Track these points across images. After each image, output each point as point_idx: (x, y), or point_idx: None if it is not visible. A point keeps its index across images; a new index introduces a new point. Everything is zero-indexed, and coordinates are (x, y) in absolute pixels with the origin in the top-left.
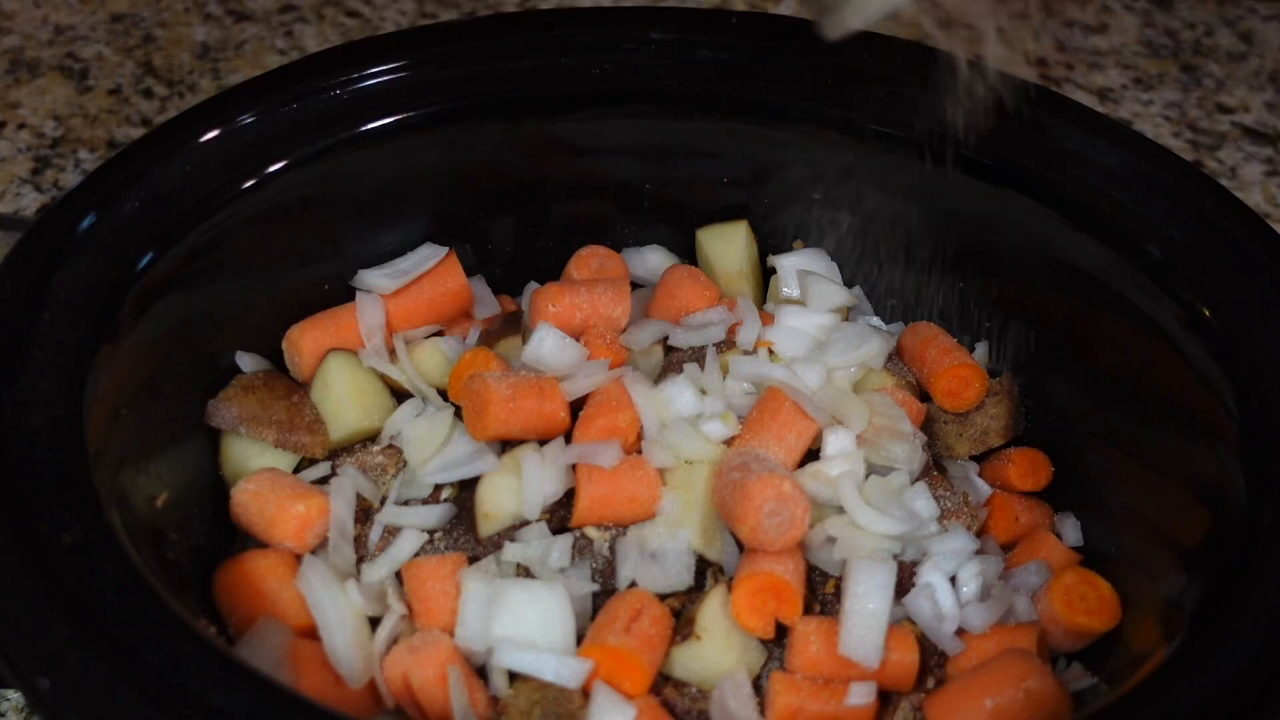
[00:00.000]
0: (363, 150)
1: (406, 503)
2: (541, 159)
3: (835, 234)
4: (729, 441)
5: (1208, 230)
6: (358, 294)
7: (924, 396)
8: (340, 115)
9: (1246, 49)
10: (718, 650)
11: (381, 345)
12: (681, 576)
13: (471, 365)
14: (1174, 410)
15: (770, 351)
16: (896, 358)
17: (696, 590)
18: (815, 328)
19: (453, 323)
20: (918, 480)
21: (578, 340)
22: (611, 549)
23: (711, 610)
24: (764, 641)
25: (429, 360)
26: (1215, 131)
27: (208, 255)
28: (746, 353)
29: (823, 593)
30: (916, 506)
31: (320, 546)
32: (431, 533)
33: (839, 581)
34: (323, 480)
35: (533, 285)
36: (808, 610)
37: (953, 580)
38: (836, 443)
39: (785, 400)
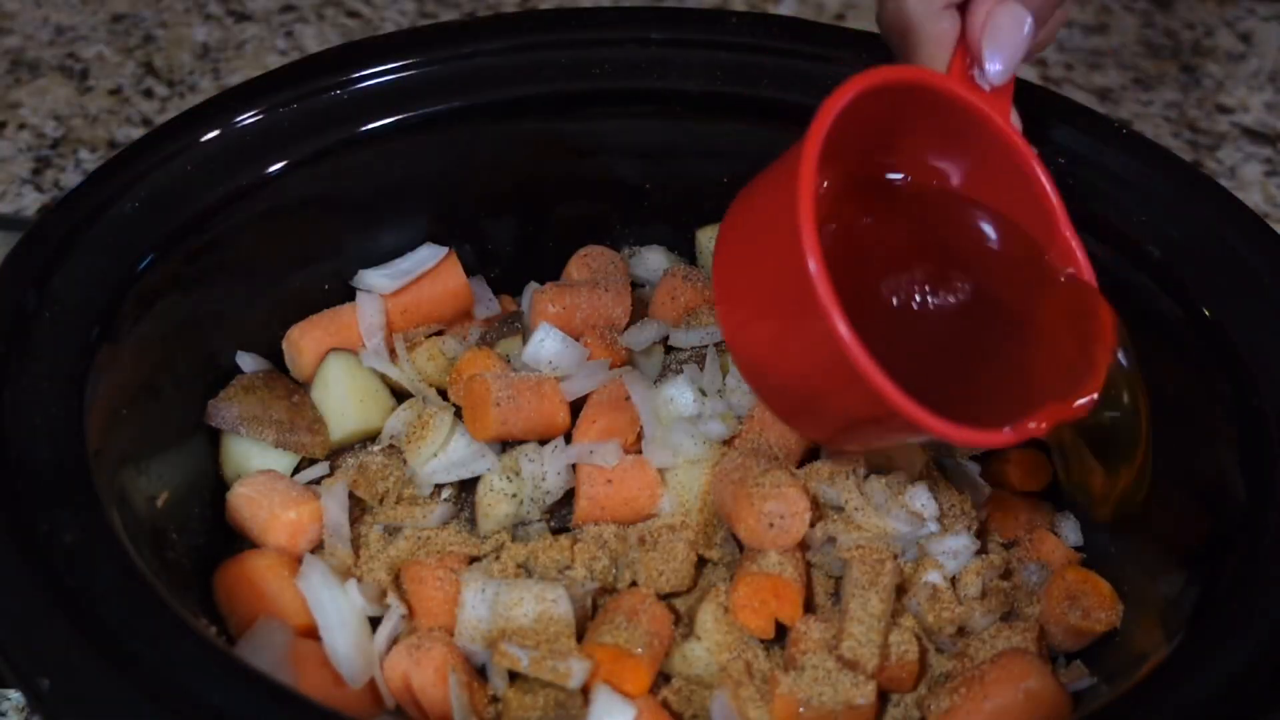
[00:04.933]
0: (363, 150)
1: (407, 503)
2: (541, 159)
3: None
4: (729, 441)
5: (1207, 230)
6: (358, 294)
7: None
8: (340, 115)
9: (1246, 49)
10: (718, 650)
11: (382, 345)
12: (681, 576)
13: (471, 365)
14: (1174, 410)
15: None
16: None
17: (696, 590)
18: None
19: (453, 323)
20: (918, 480)
21: (578, 340)
22: (611, 549)
23: (711, 610)
24: (764, 641)
25: (429, 360)
26: (1215, 132)
27: (208, 255)
28: None
29: (823, 593)
30: (917, 506)
31: (317, 549)
32: (431, 533)
33: (839, 581)
34: (322, 480)
35: (533, 285)
36: (808, 610)
37: (953, 580)
38: None
39: None
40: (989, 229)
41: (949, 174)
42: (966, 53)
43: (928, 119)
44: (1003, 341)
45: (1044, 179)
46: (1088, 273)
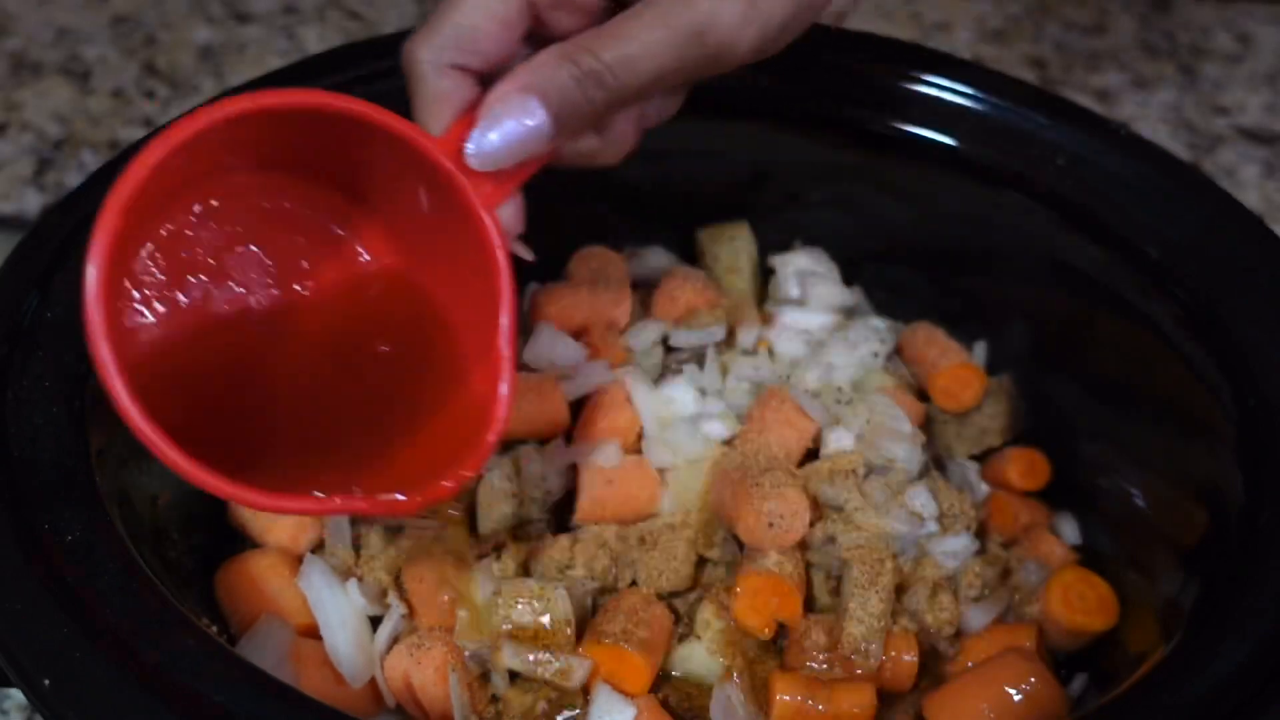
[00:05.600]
0: None
1: None
2: None
3: (835, 234)
4: (729, 441)
5: (1206, 231)
6: None
7: (924, 396)
8: None
9: (1244, 51)
10: (718, 649)
11: None
12: (681, 576)
13: None
14: (1172, 410)
15: (770, 351)
16: (896, 358)
17: (696, 590)
18: (815, 328)
19: None
20: (918, 480)
21: (578, 340)
22: (611, 549)
23: (711, 610)
24: (764, 641)
25: None
26: (1213, 133)
27: None
28: (746, 353)
29: (823, 593)
30: (916, 506)
31: (317, 548)
32: (432, 532)
33: (839, 581)
34: None
35: (533, 285)
36: (808, 610)
37: (952, 580)
38: (836, 442)
39: (785, 400)
40: (422, 320)
41: (410, 232)
42: (470, 125)
43: (400, 172)
44: (394, 429)
45: (505, 284)
46: (504, 406)
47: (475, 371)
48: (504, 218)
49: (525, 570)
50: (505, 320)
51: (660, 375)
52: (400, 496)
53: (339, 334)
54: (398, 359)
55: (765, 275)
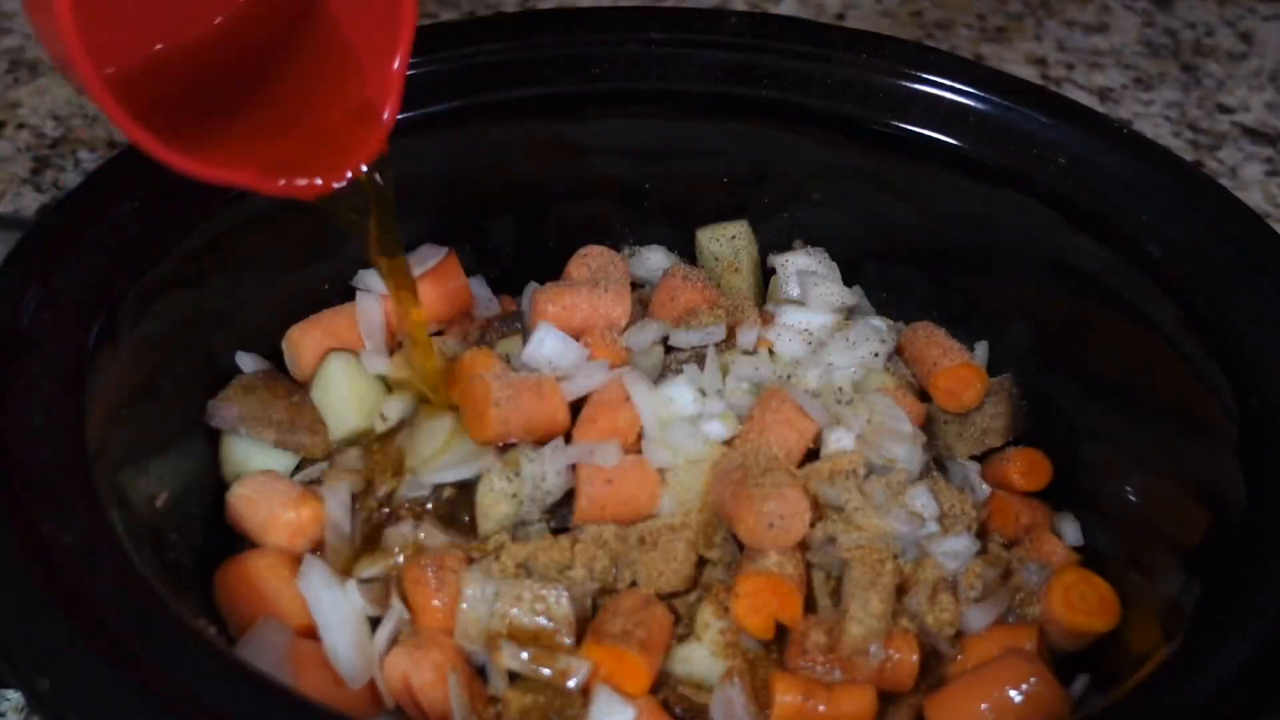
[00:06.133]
0: None
1: (407, 502)
2: (541, 159)
3: (835, 234)
4: (729, 441)
5: (1208, 230)
6: (358, 294)
7: (924, 396)
8: None
9: (1246, 49)
10: (718, 650)
11: (382, 345)
12: (681, 576)
13: (471, 365)
14: (1173, 410)
15: (770, 351)
16: (896, 358)
17: (696, 590)
18: (815, 328)
19: (453, 323)
20: (918, 480)
21: (578, 340)
22: (611, 549)
23: (711, 610)
24: (764, 641)
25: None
26: (1215, 131)
27: (208, 255)
28: (746, 353)
29: (823, 593)
30: (917, 506)
31: (316, 549)
32: (431, 533)
33: (839, 581)
34: (323, 480)
35: (533, 285)
36: (808, 610)
37: (953, 580)
38: (836, 442)
39: (785, 400)
40: (333, 35)
41: None
42: None
43: None
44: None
45: (408, 14)
46: (391, 114)
47: (371, 84)
48: None
49: (525, 570)
50: (402, 49)
51: (660, 375)
52: (316, 180)
53: (264, 38)
54: (310, 62)
55: (765, 275)
